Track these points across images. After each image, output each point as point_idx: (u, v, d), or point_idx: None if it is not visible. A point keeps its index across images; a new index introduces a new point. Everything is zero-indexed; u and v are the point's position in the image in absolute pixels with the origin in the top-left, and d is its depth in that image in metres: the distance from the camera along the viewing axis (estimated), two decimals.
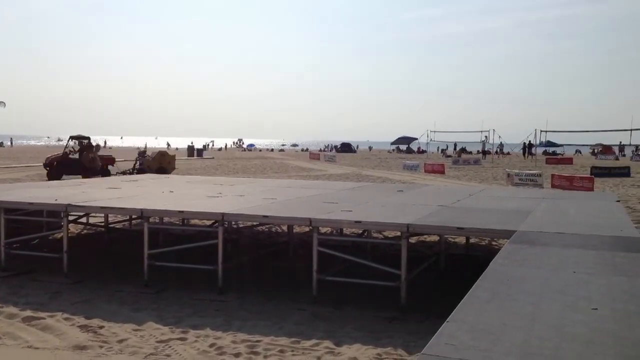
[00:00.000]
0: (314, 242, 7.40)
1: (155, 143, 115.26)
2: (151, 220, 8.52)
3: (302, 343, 5.94)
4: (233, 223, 11.07)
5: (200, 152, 60.69)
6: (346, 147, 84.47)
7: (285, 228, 11.42)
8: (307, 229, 9.44)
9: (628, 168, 33.32)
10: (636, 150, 58.07)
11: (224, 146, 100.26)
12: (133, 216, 11.12)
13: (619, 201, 10.37)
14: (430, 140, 66.55)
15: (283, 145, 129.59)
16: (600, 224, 7.32)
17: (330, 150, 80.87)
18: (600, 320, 3.40)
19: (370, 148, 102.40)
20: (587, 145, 70.97)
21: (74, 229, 11.60)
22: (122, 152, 56.86)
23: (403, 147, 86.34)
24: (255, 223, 10.61)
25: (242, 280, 8.30)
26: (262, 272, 9.02)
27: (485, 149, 62.90)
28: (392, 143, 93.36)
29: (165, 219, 10.91)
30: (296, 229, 11.19)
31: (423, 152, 74.13)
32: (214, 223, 9.63)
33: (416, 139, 78.14)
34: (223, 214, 7.81)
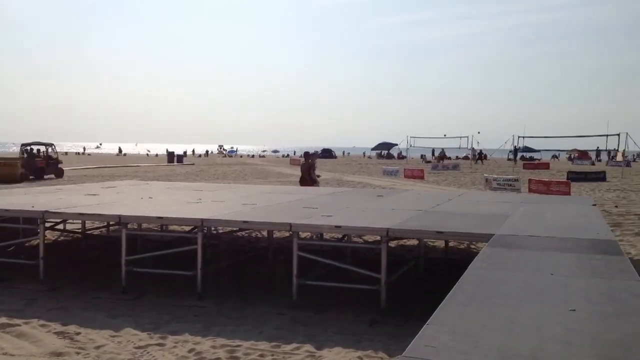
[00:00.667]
0: (294, 247, 7.38)
1: (136, 150, 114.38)
2: (129, 226, 8.44)
3: (283, 347, 5.91)
4: (213, 229, 11.01)
5: (180, 158, 60.32)
6: (326, 153, 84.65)
7: (265, 233, 11.39)
8: (287, 234, 9.42)
9: (604, 173, 33.86)
10: (609, 155, 58.94)
11: (205, 152, 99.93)
12: (111, 222, 11.00)
13: (595, 205, 10.50)
14: (410, 146, 66.95)
15: (264, 151, 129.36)
16: (577, 227, 7.41)
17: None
18: (578, 322, 3.43)
19: (345, 153, 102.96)
20: (563, 150, 72.00)
21: (50, 235, 11.44)
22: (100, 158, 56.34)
23: (384, 152, 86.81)
24: (235, 229, 10.55)
25: (222, 286, 8.24)
26: (242, 278, 8.97)
27: (477, 154, 63.22)
28: (373, 149, 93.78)
29: (144, 225, 10.82)
30: (276, 234, 11.16)
31: (403, 157, 74.51)
32: (193, 229, 9.58)
33: (396, 144, 78.56)
34: (202, 220, 7.76)
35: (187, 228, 10.68)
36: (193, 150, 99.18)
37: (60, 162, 34.12)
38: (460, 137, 62.46)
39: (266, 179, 33.03)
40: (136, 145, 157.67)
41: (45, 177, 31.48)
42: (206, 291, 7.82)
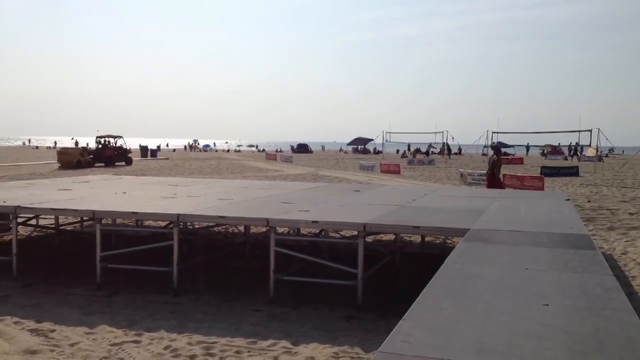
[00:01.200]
0: (271, 242, 7.37)
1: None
2: (104, 221, 8.34)
3: (259, 343, 5.91)
4: (188, 224, 10.94)
5: (154, 152, 59.68)
6: (303, 148, 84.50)
7: (242, 228, 11.35)
8: (264, 229, 9.39)
9: (576, 168, 34.38)
10: (578, 150, 59.83)
11: (185, 146, 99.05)
12: (85, 218, 10.86)
13: (568, 200, 10.66)
14: (386, 141, 67.22)
15: (240, 145, 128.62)
16: (550, 222, 7.52)
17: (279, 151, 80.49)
18: (551, 316, 3.49)
19: (323, 148, 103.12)
20: (537, 146, 72.90)
21: (23, 231, 11.26)
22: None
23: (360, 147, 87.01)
24: (211, 224, 10.50)
25: (198, 282, 8.20)
26: (218, 273, 8.93)
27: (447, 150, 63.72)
28: (349, 144, 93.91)
29: (119, 221, 10.70)
30: (253, 230, 11.13)
31: (379, 152, 74.75)
32: (168, 224, 9.50)
33: (372, 139, 78.77)
34: (178, 215, 7.70)
35: (163, 223, 10.61)
36: (165, 144, 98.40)
37: (130, 152, 42.04)
38: (436, 132, 62.91)
39: (242, 173, 32.90)
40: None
41: (116, 164, 38.74)
42: (182, 287, 7.77)
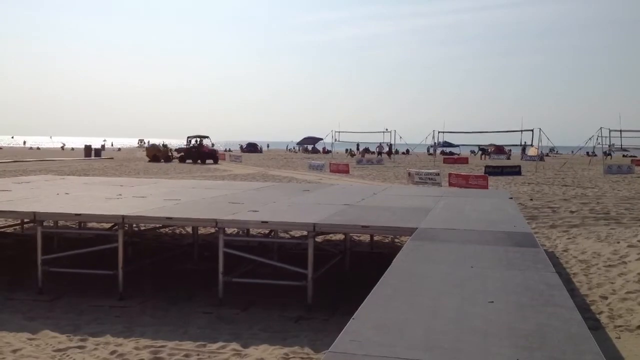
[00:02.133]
0: (220, 244, 7.30)
1: (50, 143, 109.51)
2: (45, 224, 8.07)
3: (208, 346, 5.83)
4: (134, 226, 10.70)
5: (98, 152, 58.15)
6: (252, 147, 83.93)
7: (189, 230, 11.19)
8: (212, 230, 9.28)
9: (519, 167, 35.37)
10: (523, 150, 61.58)
11: (145, 143, 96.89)
12: (25, 220, 10.49)
13: (511, 198, 10.95)
14: (335, 140, 67.51)
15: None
16: (494, 220, 7.71)
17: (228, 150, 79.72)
18: (496, 312, 3.57)
19: (268, 146, 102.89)
20: (481, 145, 74.64)
21: None
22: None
23: (310, 147, 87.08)
24: (158, 225, 10.31)
25: (144, 285, 8.04)
26: (166, 276, 8.78)
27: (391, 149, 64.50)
28: (298, 143, 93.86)
29: (61, 223, 10.38)
30: (201, 231, 10.99)
31: (328, 152, 75.03)
32: (113, 226, 9.27)
33: (321, 139, 78.94)
34: (123, 217, 7.52)
35: (107, 225, 10.34)
36: (108, 143, 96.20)
37: (217, 151, 48.01)
38: (384, 132, 63.54)
39: (190, 173, 32.44)
40: (51, 138, 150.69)
41: (206, 161, 43.81)
42: (128, 291, 7.60)
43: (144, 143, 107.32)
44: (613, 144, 49.07)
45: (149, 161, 43.92)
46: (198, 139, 46.42)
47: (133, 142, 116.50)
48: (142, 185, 12.64)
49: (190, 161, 43.67)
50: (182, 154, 45.06)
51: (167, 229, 11.51)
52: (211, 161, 44.54)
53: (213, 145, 48.79)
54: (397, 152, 69.07)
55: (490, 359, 2.87)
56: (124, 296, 7.51)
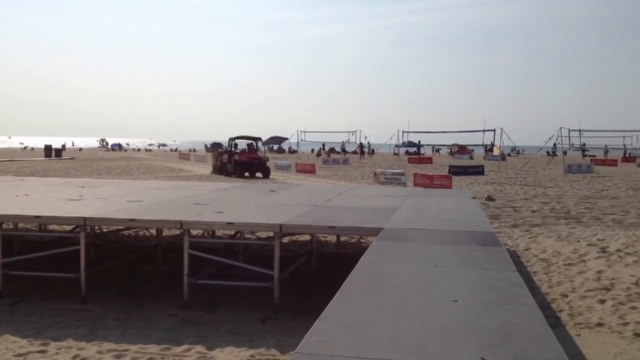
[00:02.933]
0: (185, 245, 7.22)
1: (9, 143, 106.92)
2: (4, 226, 7.87)
3: (173, 349, 5.77)
4: (97, 228, 10.51)
5: (58, 152, 56.93)
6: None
7: (154, 231, 11.04)
8: (177, 231, 9.18)
9: (482, 167, 35.92)
10: (487, 149, 62.62)
11: (106, 143, 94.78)
12: None
13: (474, 198, 11.12)
14: (301, 140, 67.54)
15: (150, 145, 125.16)
16: (458, 219, 7.82)
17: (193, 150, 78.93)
18: (460, 311, 3.62)
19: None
20: (445, 145, 75.64)
21: None
22: None
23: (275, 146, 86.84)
24: (121, 227, 10.14)
25: (108, 288, 7.92)
26: (129, 278, 8.65)
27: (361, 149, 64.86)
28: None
29: (20, 225, 10.12)
30: (166, 232, 10.86)
31: (294, 152, 74.98)
32: (75, 228, 9.10)
33: (287, 138, 78.85)
34: (85, 219, 7.38)
35: (69, 227, 10.14)
36: (70, 144, 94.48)
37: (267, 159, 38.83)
38: (349, 132, 63.83)
39: (154, 174, 32.03)
40: (9, 137, 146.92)
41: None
42: (91, 294, 7.47)
43: (106, 143, 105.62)
44: (573, 144, 50.25)
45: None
46: (248, 142, 32.58)
47: (94, 142, 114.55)
48: (105, 186, 12.42)
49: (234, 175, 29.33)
50: (219, 163, 32.14)
51: (130, 231, 11.33)
52: (260, 175, 29.58)
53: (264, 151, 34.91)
54: (373, 151, 69.50)
55: (455, 357, 2.90)
56: (86, 299, 7.37)
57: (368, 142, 65.07)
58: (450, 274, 4.61)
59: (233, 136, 31.32)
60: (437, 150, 71.99)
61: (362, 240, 11.31)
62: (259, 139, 32.72)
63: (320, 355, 2.89)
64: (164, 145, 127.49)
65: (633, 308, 7.14)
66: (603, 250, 10.59)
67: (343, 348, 2.97)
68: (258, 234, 10.35)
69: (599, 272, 8.97)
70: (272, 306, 7.08)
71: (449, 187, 21.86)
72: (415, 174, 26.19)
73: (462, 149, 71.51)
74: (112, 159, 52.50)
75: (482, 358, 2.84)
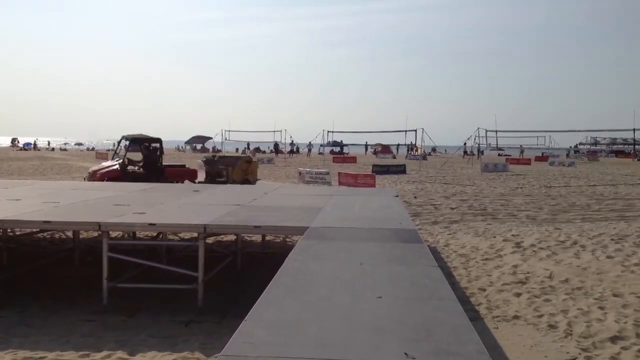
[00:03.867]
0: (104, 248, 6.97)
1: None
2: None
3: (92, 356, 5.56)
4: (9, 230, 9.99)
5: None
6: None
7: (70, 234, 10.60)
8: (95, 234, 8.86)
9: (404, 166, 36.78)
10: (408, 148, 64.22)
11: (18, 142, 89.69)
12: None
13: (397, 196, 11.35)
14: (225, 139, 66.80)
15: (65, 144, 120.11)
16: (382, 217, 7.96)
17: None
18: (385, 307, 3.69)
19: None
20: (369, 145, 77.00)
21: None
22: None
23: (199, 146, 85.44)
24: (35, 230, 9.68)
25: (22, 293, 7.54)
26: (45, 283, 8.27)
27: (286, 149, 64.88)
28: (187, 142, 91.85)
29: None
30: (83, 235, 10.46)
31: (218, 151, 74.05)
32: None
33: (211, 138, 77.77)
34: None
35: None
36: None
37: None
38: (274, 131, 63.74)
39: (69, 174, 30.78)
40: None
41: None
42: (3, 300, 7.10)
43: (18, 142, 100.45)
44: (490, 144, 52.32)
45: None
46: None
47: (5, 141, 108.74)
48: (17, 187, 11.81)
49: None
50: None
51: (46, 234, 10.83)
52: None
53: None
54: (297, 150, 69.84)
55: (379, 353, 2.95)
56: None
57: (292, 141, 65.29)
58: (374, 272, 4.68)
59: (127, 134, 21.84)
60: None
61: (288, 240, 11.31)
62: (158, 140, 21.96)
63: (247, 356, 2.86)
64: (80, 144, 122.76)
65: (547, 301, 7.50)
66: (518, 245, 11.09)
67: (269, 348, 2.96)
68: (181, 235, 10.15)
69: (515, 266, 9.38)
70: (197, 308, 6.96)
71: (373, 186, 22.24)
72: (340, 173, 26.47)
73: (385, 149, 72.98)
74: (24, 159, 50.00)
75: (405, 353, 2.90)
